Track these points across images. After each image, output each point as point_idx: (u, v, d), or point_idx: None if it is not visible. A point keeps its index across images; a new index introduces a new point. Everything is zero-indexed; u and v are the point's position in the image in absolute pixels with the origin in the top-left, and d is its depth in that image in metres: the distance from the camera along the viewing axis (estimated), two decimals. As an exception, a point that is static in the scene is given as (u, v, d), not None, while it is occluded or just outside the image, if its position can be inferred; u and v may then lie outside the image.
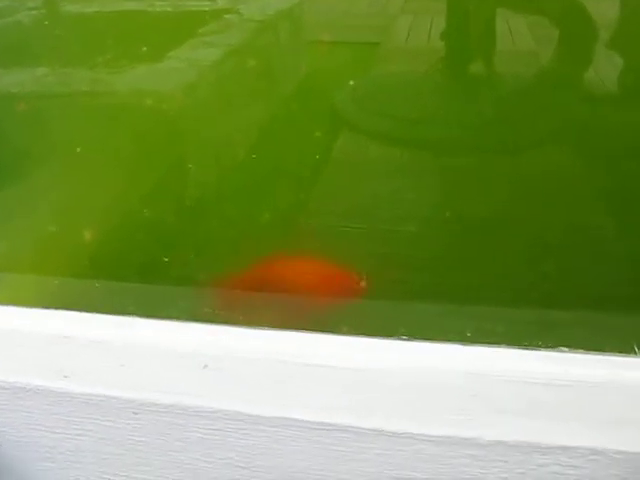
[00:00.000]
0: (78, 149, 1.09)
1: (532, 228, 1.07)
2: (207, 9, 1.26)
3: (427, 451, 0.74)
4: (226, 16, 1.29)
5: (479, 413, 0.76)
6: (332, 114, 1.22)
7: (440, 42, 1.14)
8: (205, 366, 0.83)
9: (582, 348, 0.80)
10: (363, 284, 1.01)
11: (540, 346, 0.81)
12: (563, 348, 0.80)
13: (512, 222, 1.11)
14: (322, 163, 1.20)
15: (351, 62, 1.19)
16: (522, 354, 0.81)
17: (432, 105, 1.21)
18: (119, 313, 0.90)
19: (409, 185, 1.18)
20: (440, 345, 0.83)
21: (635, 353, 0.78)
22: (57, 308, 0.91)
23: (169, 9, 1.24)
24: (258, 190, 1.14)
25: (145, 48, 1.14)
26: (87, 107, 1.17)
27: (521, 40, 1.16)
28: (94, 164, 1.12)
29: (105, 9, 1.23)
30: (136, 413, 0.81)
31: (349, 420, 0.76)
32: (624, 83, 1.07)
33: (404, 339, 0.84)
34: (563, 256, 1.04)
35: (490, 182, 1.15)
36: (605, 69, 1.08)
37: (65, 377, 0.83)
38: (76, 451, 0.85)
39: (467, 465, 0.74)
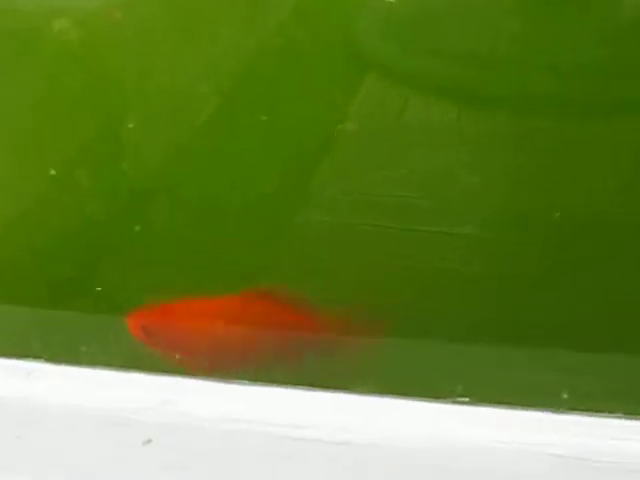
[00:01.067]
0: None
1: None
2: None
3: None
4: None
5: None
6: (351, 51, 1.21)
7: None
8: (148, 441, 0.83)
9: None
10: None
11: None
12: None
13: (629, 223, 1.09)
14: (335, 129, 1.17)
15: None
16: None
17: (505, 37, 1.16)
18: (16, 355, 0.90)
19: (464, 164, 1.15)
20: (519, 412, 0.82)
21: None
22: None
23: None
24: (232, 170, 1.13)
25: None
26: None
27: None
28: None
29: None
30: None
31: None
32: None
33: (463, 402, 0.84)
34: None
35: (595, 162, 1.12)
36: None
37: None
38: None
39: None
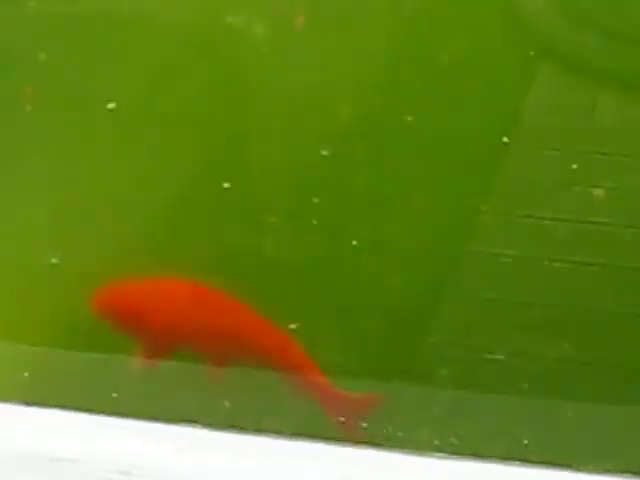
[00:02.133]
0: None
1: None
2: None
3: None
4: None
5: None
6: (521, 33, 1.23)
7: None
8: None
9: None
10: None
11: None
12: None
13: None
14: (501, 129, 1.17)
15: None
16: None
17: None
18: (163, 418, 0.87)
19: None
20: None
21: None
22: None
23: None
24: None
25: None
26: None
27: None
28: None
29: None
30: None
31: None
32: None
33: None
34: None
35: None
36: None
37: None
38: None
39: None
